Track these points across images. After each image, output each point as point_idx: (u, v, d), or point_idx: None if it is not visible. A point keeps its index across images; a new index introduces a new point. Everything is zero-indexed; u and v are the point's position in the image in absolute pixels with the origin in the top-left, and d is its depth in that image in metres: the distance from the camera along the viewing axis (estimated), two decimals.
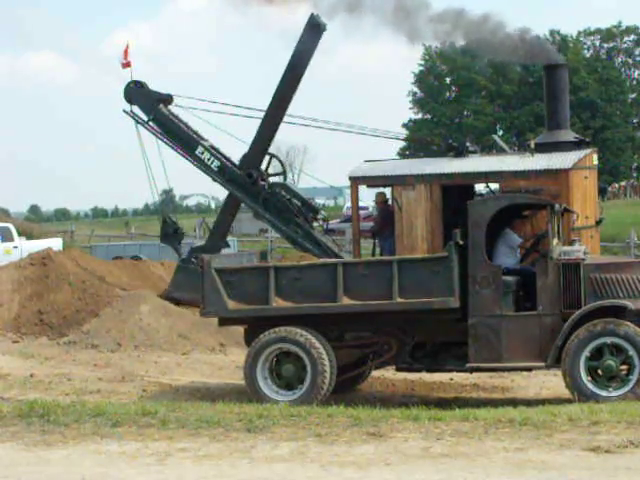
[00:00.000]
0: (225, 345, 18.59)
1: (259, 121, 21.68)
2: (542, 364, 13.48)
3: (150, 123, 21.74)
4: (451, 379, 15.96)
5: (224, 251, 21.46)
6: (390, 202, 20.96)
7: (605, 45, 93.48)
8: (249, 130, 21.80)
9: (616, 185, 71.03)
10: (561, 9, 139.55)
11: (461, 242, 13.59)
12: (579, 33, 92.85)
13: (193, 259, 20.91)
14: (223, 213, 22.72)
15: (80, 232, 51.15)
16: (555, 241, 13.93)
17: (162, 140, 21.69)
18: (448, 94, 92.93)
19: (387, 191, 21.12)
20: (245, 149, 21.65)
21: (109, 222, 79.76)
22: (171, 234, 21.60)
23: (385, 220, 20.61)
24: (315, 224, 21.67)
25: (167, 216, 21.57)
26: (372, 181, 20.83)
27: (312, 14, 20.78)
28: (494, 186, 21.04)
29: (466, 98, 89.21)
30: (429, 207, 19.66)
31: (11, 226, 33.71)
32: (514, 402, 13.42)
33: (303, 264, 15.09)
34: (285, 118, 21.66)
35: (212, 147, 21.68)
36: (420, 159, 24.38)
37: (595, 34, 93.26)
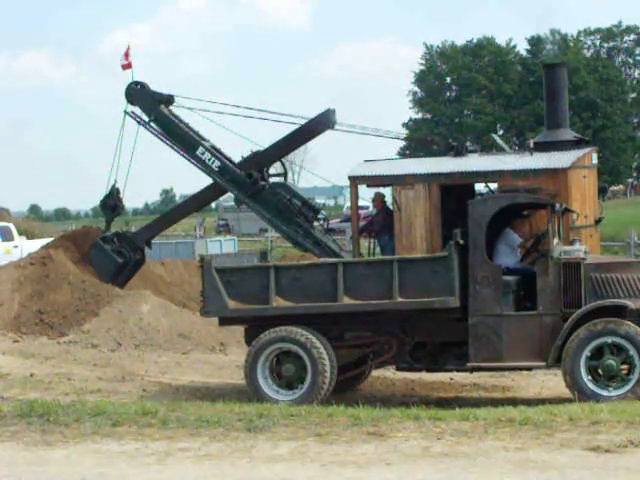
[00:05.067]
0: (225, 345, 18.59)
1: (259, 121, 21.72)
2: (542, 364, 13.49)
3: (151, 124, 21.74)
4: (451, 379, 15.96)
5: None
6: (389, 202, 20.97)
7: (605, 45, 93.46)
8: (249, 130, 21.79)
9: (616, 188, 71.14)
10: (561, 9, 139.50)
11: (461, 242, 13.60)
12: (579, 33, 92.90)
13: (114, 239, 21.11)
14: (169, 219, 22.69)
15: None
16: (555, 241, 13.93)
17: (163, 141, 21.69)
18: (448, 94, 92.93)
19: (386, 191, 21.10)
20: (248, 147, 21.64)
21: None
22: (110, 206, 21.70)
23: (386, 220, 20.61)
24: (315, 224, 21.66)
25: (117, 189, 21.61)
26: (371, 181, 20.81)
27: (329, 109, 20.91)
28: (493, 185, 21.03)
29: (466, 97, 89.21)
30: (428, 207, 19.64)
31: (11, 225, 33.75)
32: (514, 402, 13.42)
33: (303, 264, 15.09)
34: (285, 118, 21.66)
35: (213, 147, 21.68)
36: (419, 159, 24.36)
37: (595, 34, 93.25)
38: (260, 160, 21.32)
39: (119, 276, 21.17)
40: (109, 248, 21.03)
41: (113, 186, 21.60)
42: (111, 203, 21.67)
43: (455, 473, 9.03)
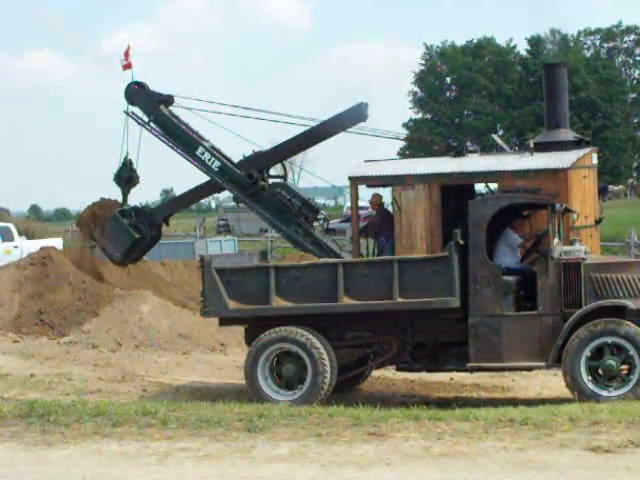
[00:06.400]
0: (225, 345, 18.59)
1: (259, 121, 21.73)
2: (542, 364, 13.50)
3: (151, 124, 21.75)
4: (451, 379, 15.96)
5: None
6: (387, 203, 20.99)
7: (605, 45, 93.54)
8: (248, 130, 21.79)
9: (616, 188, 71.15)
10: (561, 9, 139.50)
11: (461, 242, 13.60)
12: (579, 33, 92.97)
13: (132, 214, 21.11)
14: (190, 198, 22.77)
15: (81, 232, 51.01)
16: (555, 241, 13.93)
17: (163, 141, 21.69)
18: (448, 94, 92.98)
19: (386, 191, 21.10)
20: (248, 147, 21.65)
21: None
22: (125, 178, 21.63)
23: (383, 222, 20.62)
24: (315, 224, 21.65)
25: (129, 160, 21.56)
26: (372, 181, 20.80)
27: (362, 102, 20.88)
28: (494, 186, 21.03)
29: (466, 98, 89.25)
30: (428, 207, 19.64)
31: (11, 226, 33.74)
32: (514, 402, 13.43)
33: (303, 264, 15.09)
34: (284, 118, 21.68)
35: (213, 147, 21.69)
36: (419, 159, 24.35)
37: (595, 34, 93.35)
38: (290, 148, 21.49)
39: (133, 252, 21.20)
40: (126, 222, 20.98)
41: (125, 157, 21.58)
42: (126, 175, 21.62)
43: (455, 473, 9.03)
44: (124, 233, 20.93)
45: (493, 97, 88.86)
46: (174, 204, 22.63)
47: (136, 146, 21.91)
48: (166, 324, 19.07)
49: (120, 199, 21.88)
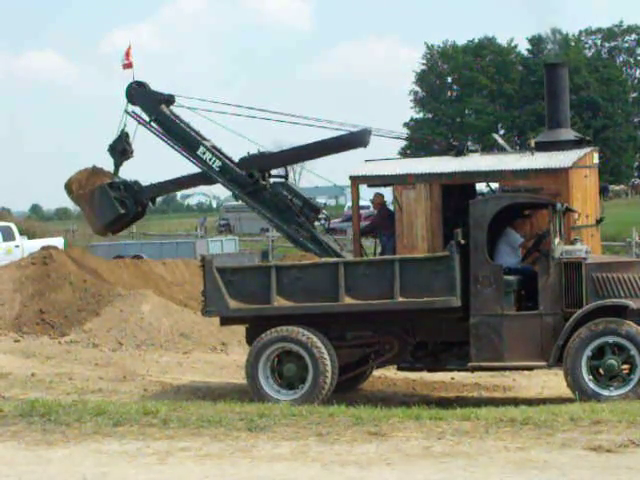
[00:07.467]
0: (226, 344, 18.59)
1: (260, 121, 21.77)
2: (543, 363, 13.50)
3: (152, 124, 21.79)
4: (452, 378, 15.96)
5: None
6: (389, 203, 20.99)
7: (606, 44, 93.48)
8: (249, 130, 21.80)
9: (617, 187, 71.14)
10: (562, 8, 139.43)
11: (462, 241, 13.59)
12: (580, 32, 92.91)
13: (121, 188, 21.25)
14: (179, 184, 22.89)
15: (81, 231, 51.07)
16: (557, 240, 13.93)
17: (164, 140, 21.73)
18: (449, 93, 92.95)
19: (387, 191, 21.10)
20: (248, 147, 21.68)
21: None
22: (119, 151, 21.80)
23: (384, 221, 20.63)
24: (317, 224, 21.67)
25: (126, 134, 21.71)
26: (372, 180, 20.81)
27: (366, 129, 21.02)
28: (495, 185, 21.03)
29: (467, 97, 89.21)
30: (429, 206, 19.64)
31: (12, 225, 33.74)
32: (515, 401, 13.42)
33: (304, 263, 15.09)
34: (287, 118, 21.73)
35: (214, 147, 21.72)
36: (420, 158, 24.37)
37: (596, 33, 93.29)
38: (292, 157, 21.64)
39: (114, 225, 21.47)
40: (113, 195, 21.18)
41: (122, 130, 21.69)
42: (120, 147, 21.77)
43: (456, 473, 9.02)
44: (109, 205, 21.21)
45: (494, 97, 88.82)
46: (164, 186, 22.78)
47: (133, 146, 22.05)
48: (167, 323, 19.07)
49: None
